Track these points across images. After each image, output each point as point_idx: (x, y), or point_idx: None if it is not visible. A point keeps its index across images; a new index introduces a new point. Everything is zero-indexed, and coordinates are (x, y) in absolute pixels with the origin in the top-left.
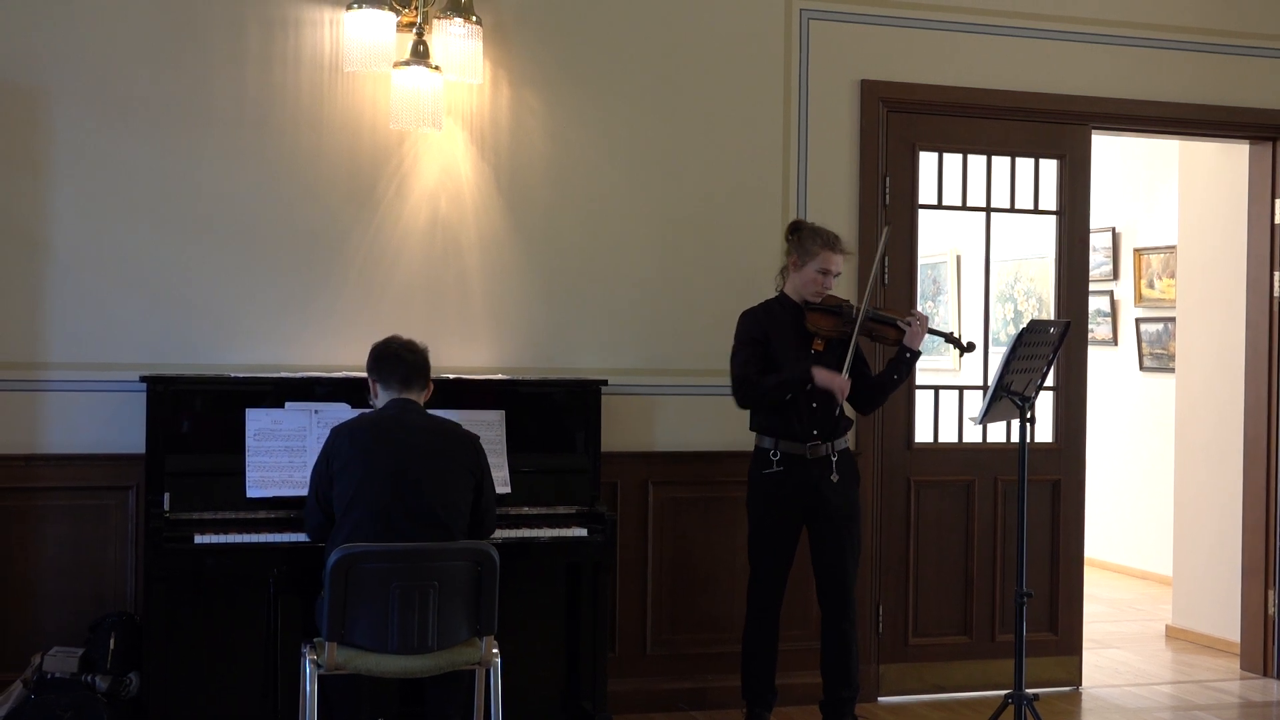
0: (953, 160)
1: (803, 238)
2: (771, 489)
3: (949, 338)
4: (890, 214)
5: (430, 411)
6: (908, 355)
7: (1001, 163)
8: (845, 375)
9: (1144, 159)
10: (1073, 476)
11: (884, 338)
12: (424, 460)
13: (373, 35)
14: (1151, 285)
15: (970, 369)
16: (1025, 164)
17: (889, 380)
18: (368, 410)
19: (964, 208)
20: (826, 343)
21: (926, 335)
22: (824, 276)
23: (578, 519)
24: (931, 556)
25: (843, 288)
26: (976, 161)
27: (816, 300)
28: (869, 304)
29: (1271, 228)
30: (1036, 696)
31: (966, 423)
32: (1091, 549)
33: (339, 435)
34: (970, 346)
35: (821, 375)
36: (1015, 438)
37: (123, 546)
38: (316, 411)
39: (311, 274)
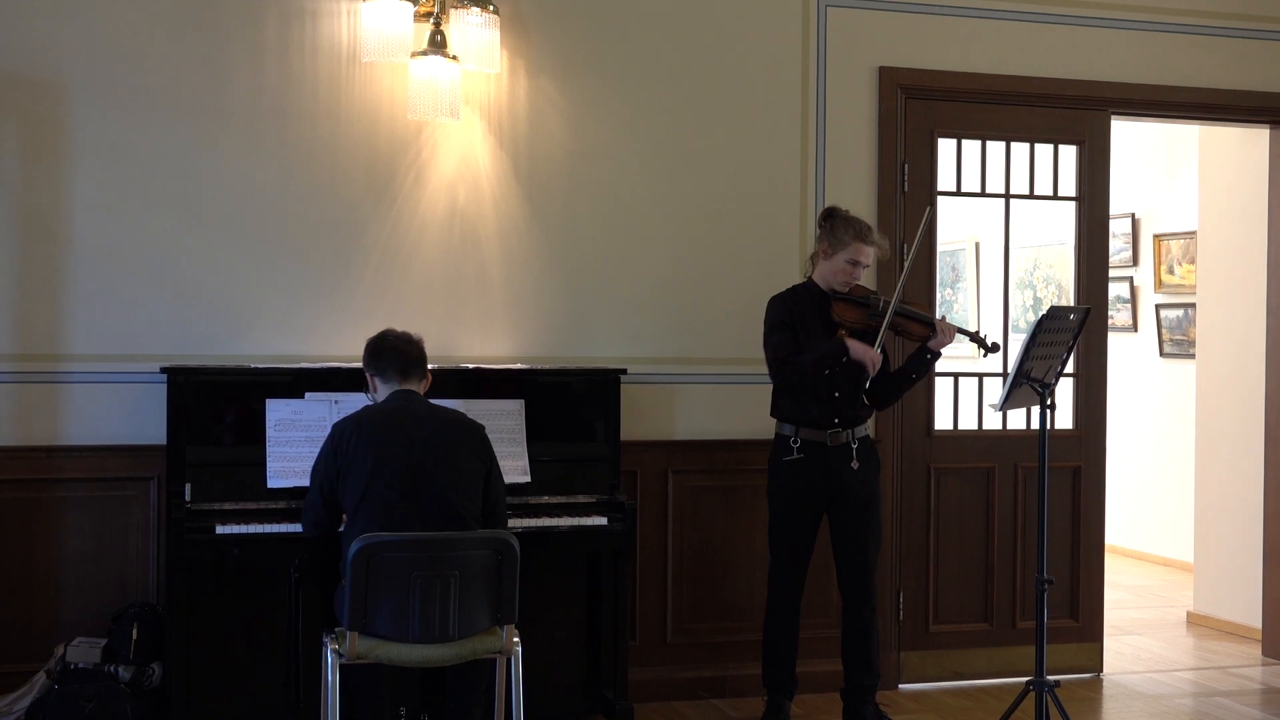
0: (971, 147)
1: (835, 226)
2: (792, 476)
3: (974, 337)
4: (909, 201)
5: (434, 401)
6: (928, 355)
7: (1020, 149)
8: (878, 351)
9: (1164, 144)
10: (1093, 463)
11: (909, 334)
12: (435, 452)
13: (390, 25)
14: (1171, 271)
15: (990, 356)
16: (1044, 150)
17: (906, 378)
18: (370, 404)
19: (983, 194)
20: (851, 333)
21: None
22: (853, 267)
23: (598, 508)
24: (952, 544)
25: (871, 278)
26: (995, 148)
27: (844, 290)
28: (899, 299)
29: None
30: (1057, 683)
31: (986, 410)
32: (1112, 536)
33: (344, 429)
34: (995, 347)
35: (856, 347)
36: (1035, 424)
37: (144, 537)
38: (337, 402)
39: (331, 264)
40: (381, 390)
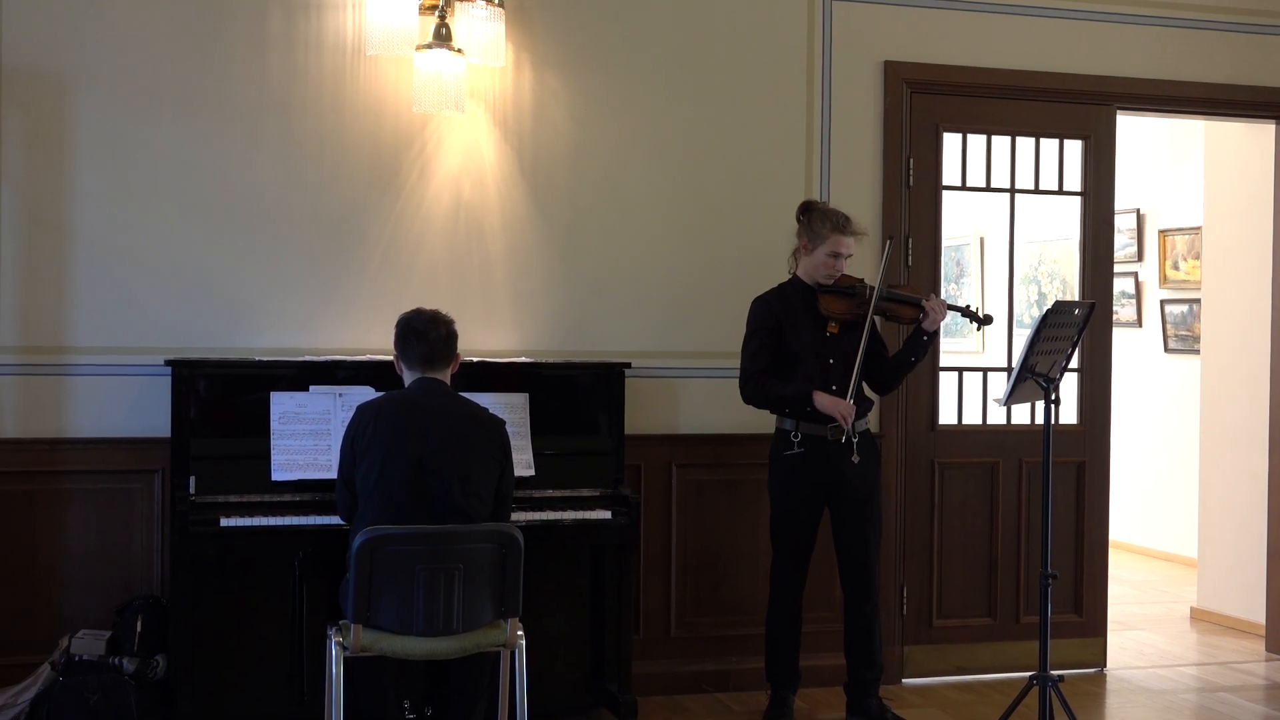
0: (977, 141)
1: (812, 220)
2: (793, 470)
3: (965, 311)
4: (914, 196)
5: (460, 395)
6: (924, 337)
7: (1026, 144)
8: (851, 389)
9: (1168, 139)
10: (1097, 458)
11: (900, 317)
12: (447, 449)
13: (395, 18)
14: (1176, 267)
15: (994, 350)
16: (1049, 145)
17: (905, 362)
18: (393, 392)
19: (988, 189)
20: (840, 325)
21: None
22: (834, 260)
23: (601, 501)
24: (956, 538)
25: (861, 269)
26: (1000, 142)
27: (829, 283)
28: (883, 285)
29: None
30: (1061, 678)
31: (990, 404)
32: (1116, 531)
33: (364, 414)
34: (988, 319)
35: (823, 401)
36: (1040, 419)
37: (149, 530)
38: (341, 394)
39: (335, 258)
40: (406, 376)
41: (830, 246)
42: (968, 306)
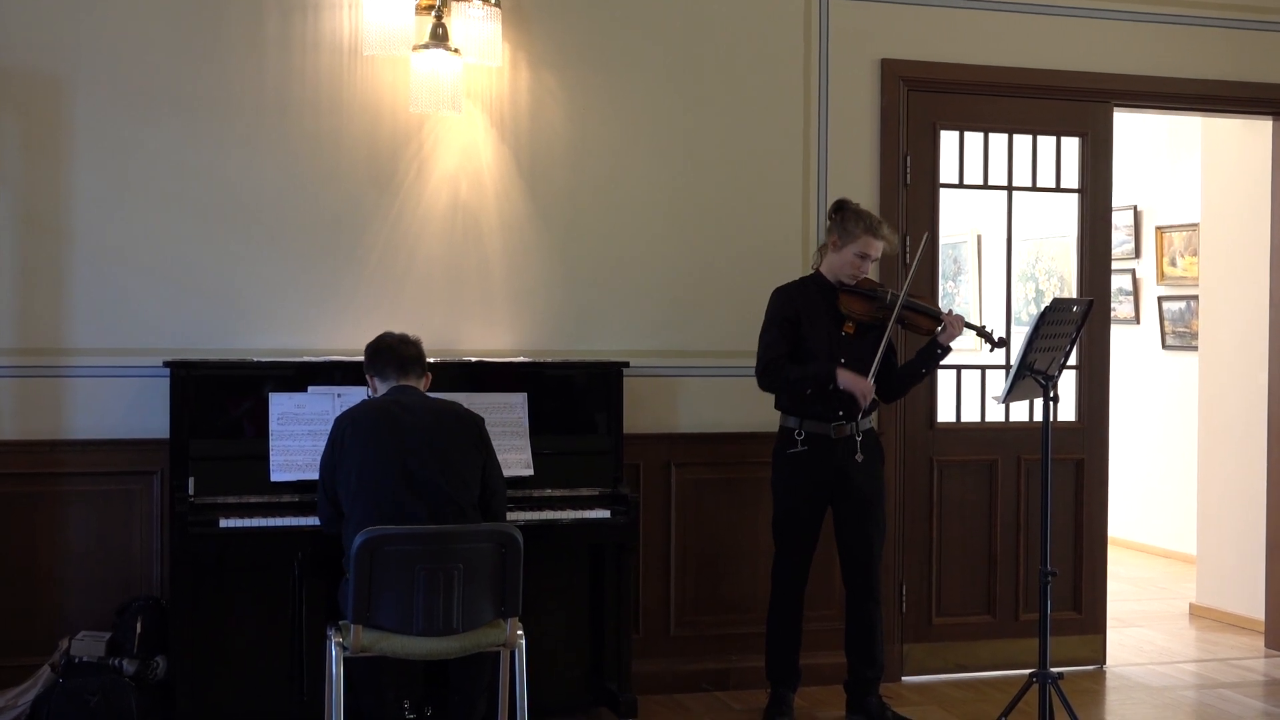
0: (974, 139)
1: (845, 219)
2: (796, 469)
3: (981, 331)
4: (911, 194)
5: (433, 395)
6: (939, 351)
7: (1023, 141)
8: (871, 379)
9: (1165, 136)
10: (1096, 455)
11: (917, 327)
12: (428, 441)
13: (391, 18)
14: (1174, 263)
15: (996, 351)
16: (1047, 142)
17: (916, 373)
18: (368, 398)
19: (985, 187)
20: (857, 326)
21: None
22: (862, 260)
23: (600, 500)
24: (955, 536)
25: (873, 270)
26: (998, 140)
27: (852, 283)
28: (907, 293)
29: None
30: (1061, 675)
31: (989, 402)
32: (1115, 528)
33: (342, 421)
34: (1002, 342)
35: (845, 378)
36: (1038, 417)
37: (148, 531)
38: (339, 395)
39: (333, 258)
40: (381, 389)
41: (860, 247)
42: (983, 327)
